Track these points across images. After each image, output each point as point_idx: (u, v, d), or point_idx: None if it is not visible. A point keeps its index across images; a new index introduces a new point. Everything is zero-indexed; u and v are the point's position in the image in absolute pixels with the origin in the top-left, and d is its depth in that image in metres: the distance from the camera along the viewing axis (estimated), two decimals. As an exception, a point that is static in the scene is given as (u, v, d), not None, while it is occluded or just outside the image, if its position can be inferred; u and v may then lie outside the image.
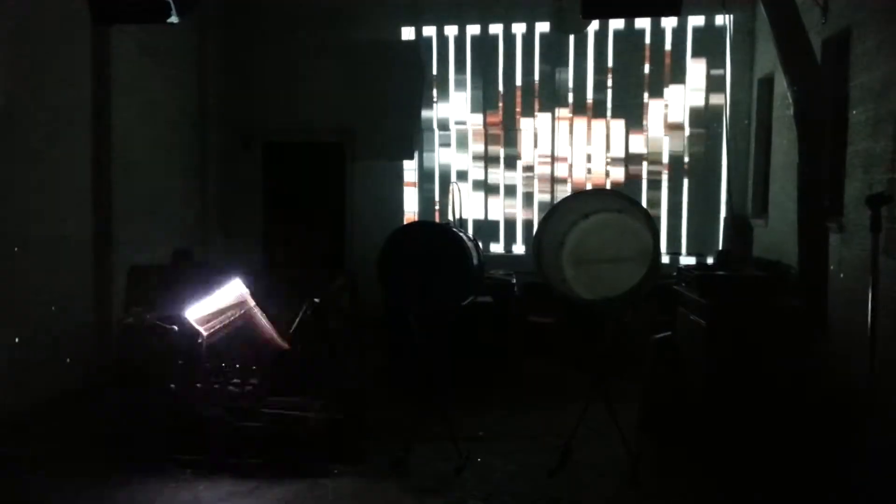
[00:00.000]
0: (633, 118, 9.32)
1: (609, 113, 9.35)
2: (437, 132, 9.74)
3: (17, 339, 5.87)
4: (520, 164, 9.61)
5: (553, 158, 9.53)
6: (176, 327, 5.26)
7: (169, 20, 4.82)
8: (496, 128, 9.64)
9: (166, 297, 5.41)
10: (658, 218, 9.06)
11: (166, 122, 8.47)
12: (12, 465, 4.84)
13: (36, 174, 6.19)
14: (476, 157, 9.71)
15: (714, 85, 9.08)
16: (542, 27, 9.41)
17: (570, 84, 9.40)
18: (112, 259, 7.03)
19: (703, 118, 9.19)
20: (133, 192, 7.50)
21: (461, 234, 5.51)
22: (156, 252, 7.11)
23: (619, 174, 9.39)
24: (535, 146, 9.56)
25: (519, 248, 9.61)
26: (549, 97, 9.47)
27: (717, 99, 9.04)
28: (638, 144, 9.32)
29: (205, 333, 5.26)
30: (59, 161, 6.51)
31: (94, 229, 6.97)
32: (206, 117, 9.29)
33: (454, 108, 9.69)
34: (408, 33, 9.70)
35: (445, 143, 9.75)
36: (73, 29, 6.62)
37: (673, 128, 9.27)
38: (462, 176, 9.70)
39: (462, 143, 9.72)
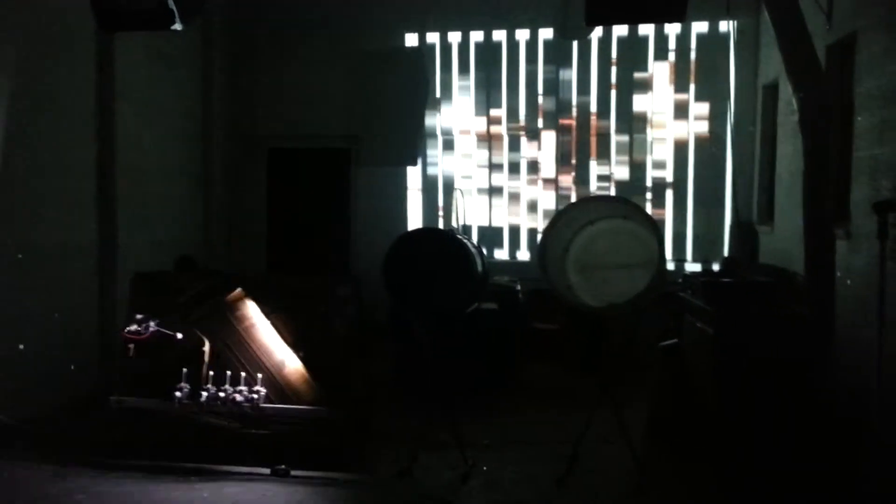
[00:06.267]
0: (638, 124, 9.31)
1: (613, 118, 9.35)
2: (440, 138, 9.74)
3: (21, 346, 5.87)
4: (523, 170, 9.60)
5: (557, 164, 9.52)
6: (180, 335, 5.25)
7: (173, 27, 4.83)
8: (499, 134, 9.64)
9: (170, 304, 5.40)
10: (663, 224, 9.04)
11: (171, 128, 8.47)
12: (16, 470, 4.83)
13: (40, 181, 6.19)
14: (480, 164, 9.71)
15: (718, 91, 9.06)
16: (546, 33, 9.41)
17: (574, 90, 9.40)
18: (116, 266, 7.03)
19: (708, 124, 9.18)
20: (137, 198, 7.50)
21: (465, 240, 5.50)
22: (160, 258, 7.11)
23: (623, 180, 9.38)
24: (539, 152, 9.55)
25: (523, 255, 9.59)
26: (552, 103, 9.47)
27: (721, 105, 9.02)
28: (642, 150, 9.31)
29: (209, 341, 5.26)
30: (63, 168, 6.51)
31: (98, 236, 6.97)
32: (210, 123, 9.30)
33: (458, 114, 9.69)
34: (412, 40, 9.72)
35: (449, 150, 9.75)
36: (78, 36, 6.64)
37: (677, 133, 9.25)
38: (466, 182, 9.69)
39: (466, 149, 9.72)
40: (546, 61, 9.45)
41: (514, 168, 9.63)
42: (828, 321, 5.37)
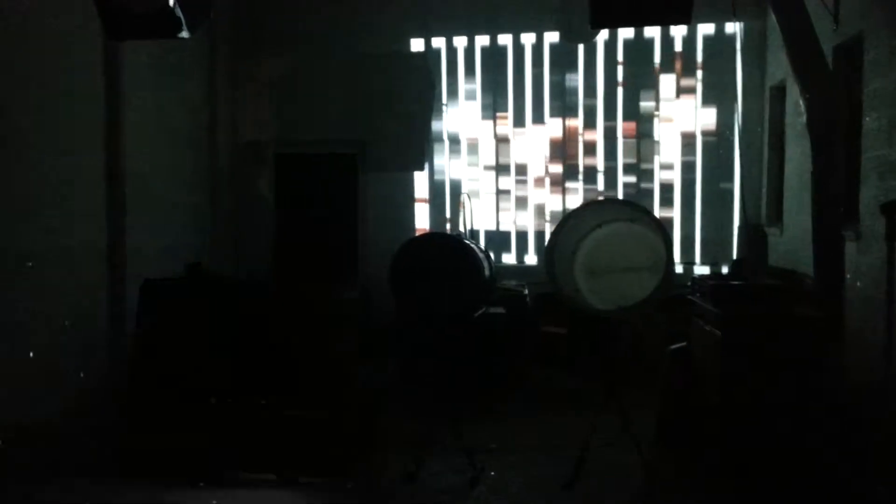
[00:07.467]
0: (645, 127, 9.29)
1: (620, 122, 9.33)
2: (447, 143, 9.75)
3: (31, 354, 5.89)
4: (531, 174, 9.60)
5: (564, 168, 9.51)
6: (189, 341, 5.27)
7: (180, 35, 4.85)
8: (506, 138, 9.64)
9: (179, 310, 5.41)
10: (671, 227, 9.02)
11: (178, 135, 8.51)
12: (26, 477, 4.84)
13: (49, 188, 6.22)
14: (487, 168, 9.71)
15: (725, 93, 9.03)
16: (552, 37, 9.41)
17: (581, 93, 9.40)
18: (125, 273, 7.06)
19: (715, 126, 9.15)
20: (145, 205, 7.53)
21: (472, 245, 5.50)
22: (168, 265, 7.11)
23: (631, 183, 9.36)
24: (546, 156, 9.55)
25: (531, 259, 9.58)
26: (559, 107, 9.46)
27: (728, 107, 8.99)
28: (650, 153, 9.29)
29: (217, 347, 5.27)
30: (71, 175, 6.54)
31: (107, 243, 6.99)
32: (217, 130, 9.33)
33: (464, 118, 9.70)
34: (417, 45, 9.73)
35: (456, 154, 9.76)
36: (86, 44, 6.67)
37: (685, 136, 9.23)
38: (473, 187, 9.69)
39: (472, 153, 9.73)
40: (552, 64, 9.45)
41: (521, 171, 9.62)
42: (837, 323, 5.34)
